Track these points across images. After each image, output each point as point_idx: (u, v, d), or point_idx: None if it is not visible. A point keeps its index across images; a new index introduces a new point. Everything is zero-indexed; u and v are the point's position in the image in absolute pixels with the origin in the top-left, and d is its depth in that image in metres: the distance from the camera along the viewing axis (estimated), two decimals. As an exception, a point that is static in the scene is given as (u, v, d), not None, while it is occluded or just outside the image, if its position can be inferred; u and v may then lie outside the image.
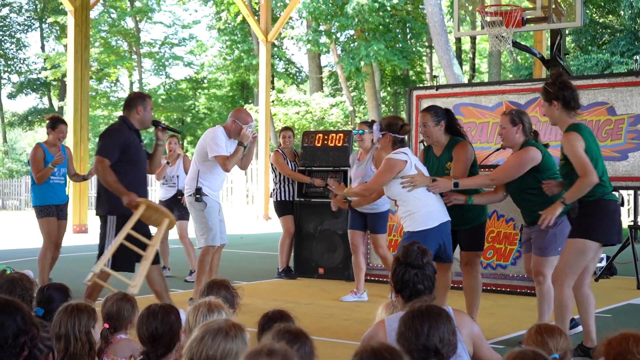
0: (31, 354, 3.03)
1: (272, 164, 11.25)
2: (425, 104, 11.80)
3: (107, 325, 4.47)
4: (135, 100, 7.30)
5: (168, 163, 10.99)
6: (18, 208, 38.87)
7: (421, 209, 6.44)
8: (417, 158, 6.73)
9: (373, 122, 8.37)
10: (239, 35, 38.13)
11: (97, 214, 7.28)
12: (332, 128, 35.44)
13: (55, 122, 9.65)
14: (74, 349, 3.97)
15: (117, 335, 4.52)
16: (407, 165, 6.43)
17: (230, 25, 39.04)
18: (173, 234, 11.14)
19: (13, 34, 51.50)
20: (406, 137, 6.75)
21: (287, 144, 11.27)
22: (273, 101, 34.33)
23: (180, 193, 10.79)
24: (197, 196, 8.23)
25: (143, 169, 7.34)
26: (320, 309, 8.36)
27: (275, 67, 39.63)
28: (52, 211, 9.50)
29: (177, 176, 11.09)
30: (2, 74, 51.03)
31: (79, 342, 3.98)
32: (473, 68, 41.99)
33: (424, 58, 41.01)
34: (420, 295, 4.04)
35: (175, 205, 10.92)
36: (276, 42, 39.82)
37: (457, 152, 6.85)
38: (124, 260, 6.97)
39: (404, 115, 40.41)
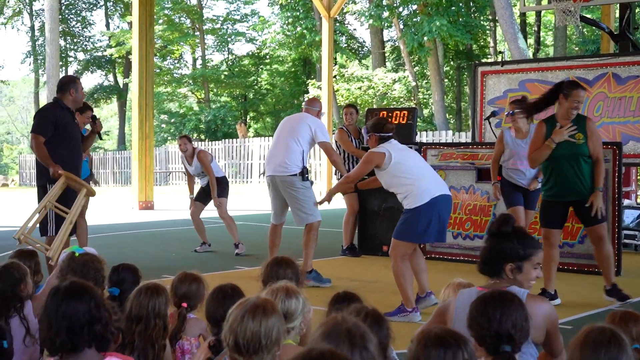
0: (104, 338, 3.09)
1: (336, 141, 11.25)
2: (490, 80, 11.70)
3: (185, 305, 4.52)
4: (68, 83, 8.20)
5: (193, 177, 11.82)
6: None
7: (412, 190, 6.87)
8: (402, 149, 7.18)
9: (524, 98, 8.84)
10: (301, 11, 38.08)
11: (36, 184, 8.28)
12: (394, 103, 35.26)
13: (84, 109, 10.08)
14: (152, 331, 4.03)
15: (187, 314, 4.59)
16: (386, 157, 6.96)
17: (292, 1, 38.99)
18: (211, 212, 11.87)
19: (79, 12, 52.20)
20: (392, 133, 7.22)
21: (350, 121, 11.27)
22: (335, 76, 34.24)
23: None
24: (306, 175, 8.76)
25: (75, 145, 8.20)
26: (385, 286, 8.36)
27: (337, 42, 39.50)
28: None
29: (201, 170, 11.53)
30: (68, 52, 51.76)
31: (157, 323, 4.05)
32: (538, 41, 41.31)
33: (488, 32, 40.46)
34: (486, 266, 4.02)
35: (220, 186, 11.52)
36: (338, 18, 39.65)
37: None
38: (46, 226, 7.96)
39: (467, 90, 40.02)
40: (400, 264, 6.95)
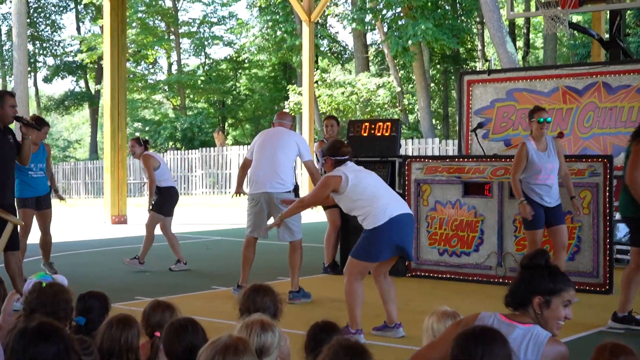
0: None
1: (316, 154, 11.27)
2: (477, 89, 11.75)
3: (158, 334, 4.49)
4: None
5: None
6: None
7: (371, 211, 6.93)
8: (358, 170, 7.23)
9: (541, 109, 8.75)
10: (281, 14, 38.13)
11: None
12: (379, 110, 35.29)
13: (41, 124, 10.40)
14: None
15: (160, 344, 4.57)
16: (343, 180, 7.01)
17: (271, 4, 39.04)
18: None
19: (48, 15, 52.07)
20: (348, 156, 7.24)
21: (331, 133, 11.28)
22: (317, 82, 34.27)
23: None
24: (297, 192, 9.16)
25: (6, 162, 8.20)
26: (369, 309, 8.34)
27: (318, 46, 39.56)
28: (29, 203, 10.43)
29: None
30: (37, 56, 51.61)
31: (129, 358, 4.04)
32: (527, 44, 41.55)
33: (475, 35, 40.63)
34: (507, 297, 4.03)
35: (165, 198, 11.66)
36: (320, 20, 39.72)
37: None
38: None
39: (454, 94, 40.16)
40: (354, 284, 7.01)
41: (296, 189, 9.38)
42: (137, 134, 45.11)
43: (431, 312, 4.49)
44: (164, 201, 11.59)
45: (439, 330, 4.25)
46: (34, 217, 10.62)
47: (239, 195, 9.95)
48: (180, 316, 4.55)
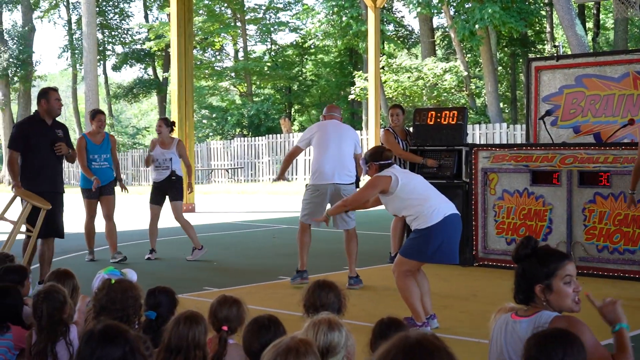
0: None
1: (382, 144, 11.25)
2: (545, 75, 11.58)
3: (225, 328, 4.53)
4: (39, 94, 9.07)
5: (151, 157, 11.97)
6: (125, 182, 39.86)
7: (422, 210, 6.95)
8: (406, 172, 7.47)
9: None
10: (346, 0, 38.02)
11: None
12: (445, 94, 35.02)
13: (94, 113, 11.69)
14: None
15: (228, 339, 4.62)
16: (392, 180, 7.03)
17: (337, -11, 38.97)
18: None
19: (116, 4, 52.67)
20: (392, 159, 7.32)
21: (397, 122, 11.25)
22: (383, 67, 34.14)
23: (174, 174, 11.77)
24: (358, 183, 9.55)
25: (40, 152, 8.94)
26: (435, 299, 8.31)
27: (384, 31, 39.37)
28: (92, 194, 11.40)
29: (171, 159, 11.79)
30: (106, 45, 52.32)
31: (197, 355, 4.09)
32: (597, 25, 40.77)
33: (543, 15, 39.99)
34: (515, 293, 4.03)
35: (169, 187, 11.79)
36: (385, 5, 39.52)
37: None
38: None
39: (522, 78, 39.64)
40: (405, 279, 7.03)
41: (357, 180, 9.60)
42: (205, 122, 45.58)
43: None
44: (177, 190, 11.92)
45: None
46: (99, 205, 11.54)
47: (281, 181, 10.26)
48: (246, 310, 4.59)
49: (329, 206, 8.91)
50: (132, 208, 14.13)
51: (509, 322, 3.85)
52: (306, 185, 9.73)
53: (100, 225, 11.54)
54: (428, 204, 6.96)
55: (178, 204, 11.78)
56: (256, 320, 4.11)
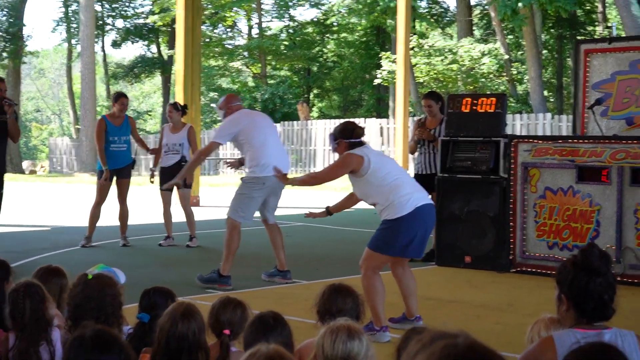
0: None
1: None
2: (596, 60, 11.52)
3: (227, 332, 4.52)
4: None
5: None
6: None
7: (393, 199, 6.97)
8: (379, 154, 7.47)
9: None
10: (374, -28, 37.99)
11: None
12: (483, 80, 34.95)
13: (117, 96, 12.72)
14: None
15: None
16: (365, 161, 7.02)
17: (363, -40, 38.93)
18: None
19: (118, -28, 52.80)
20: (363, 138, 7.33)
21: (433, 116, 11.52)
22: (413, 48, 34.06)
23: (184, 160, 12.44)
24: None
25: None
26: (467, 308, 8.30)
27: (415, 8, 39.28)
28: (108, 175, 12.32)
29: (181, 144, 12.64)
30: (105, 19, 52.46)
31: (200, 350, 4.11)
32: (656, 5, 40.56)
33: (595, -6, 39.89)
34: (606, 308, 3.94)
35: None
36: (417, -21, 39.49)
37: None
38: None
39: (570, 63, 39.48)
40: (372, 278, 7.04)
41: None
42: (213, 106, 45.60)
43: (535, 319, 4.41)
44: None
45: None
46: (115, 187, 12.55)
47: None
48: (250, 314, 4.58)
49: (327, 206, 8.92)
50: (131, 204, 13.99)
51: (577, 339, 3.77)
52: (242, 178, 9.82)
53: (107, 210, 12.75)
54: (400, 192, 6.97)
55: (186, 192, 12.58)
56: (260, 318, 4.10)
